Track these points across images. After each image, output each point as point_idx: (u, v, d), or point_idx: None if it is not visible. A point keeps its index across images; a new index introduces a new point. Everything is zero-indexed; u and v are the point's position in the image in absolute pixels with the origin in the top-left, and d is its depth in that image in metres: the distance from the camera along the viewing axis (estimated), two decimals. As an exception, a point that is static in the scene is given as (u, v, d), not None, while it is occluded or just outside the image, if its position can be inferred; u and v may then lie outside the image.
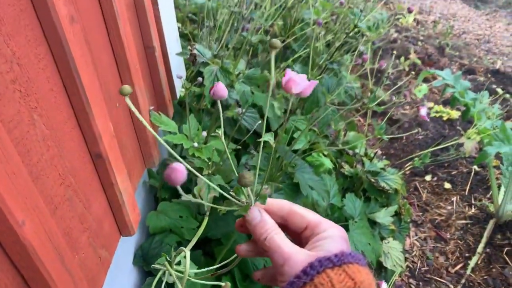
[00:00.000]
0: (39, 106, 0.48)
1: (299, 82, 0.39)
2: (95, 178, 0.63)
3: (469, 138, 1.23)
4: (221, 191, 0.41)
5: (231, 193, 0.42)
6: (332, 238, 0.39)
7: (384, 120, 1.17)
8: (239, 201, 0.42)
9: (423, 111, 0.65)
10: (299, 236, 0.42)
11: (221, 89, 0.43)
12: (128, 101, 0.34)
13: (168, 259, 0.53)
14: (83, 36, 0.57)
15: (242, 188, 0.42)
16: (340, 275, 0.35)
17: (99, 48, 0.68)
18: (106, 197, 0.66)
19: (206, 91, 0.73)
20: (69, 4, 0.52)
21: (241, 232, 0.45)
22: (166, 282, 0.52)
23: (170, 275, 0.54)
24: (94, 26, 0.66)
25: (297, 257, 0.37)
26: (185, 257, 0.45)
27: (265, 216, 0.41)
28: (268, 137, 0.43)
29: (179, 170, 0.35)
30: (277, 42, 0.36)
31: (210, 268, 0.56)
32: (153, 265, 0.57)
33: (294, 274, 0.36)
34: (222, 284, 0.55)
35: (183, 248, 0.53)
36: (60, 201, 0.51)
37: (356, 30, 0.94)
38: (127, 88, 0.35)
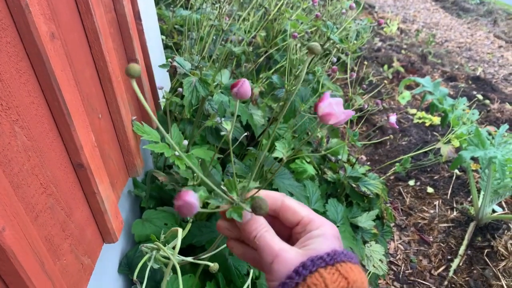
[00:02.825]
0: (20, 118, 0.50)
1: (337, 114, 0.37)
2: (77, 187, 0.65)
3: (445, 143, 1.28)
4: (214, 188, 0.39)
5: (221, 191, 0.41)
6: (324, 236, 0.38)
7: (358, 126, 1.22)
8: (227, 199, 0.41)
9: (392, 119, 0.69)
10: (289, 230, 0.41)
11: (247, 87, 0.38)
12: (134, 84, 0.33)
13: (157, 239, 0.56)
14: (64, 51, 0.60)
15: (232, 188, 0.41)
16: (333, 274, 0.34)
17: (81, 62, 0.70)
18: (88, 205, 0.68)
19: (186, 101, 0.75)
20: (49, 21, 0.55)
21: (222, 234, 0.44)
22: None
23: (156, 261, 0.56)
24: (76, 41, 0.68)
25: (287, 255, 0.36)
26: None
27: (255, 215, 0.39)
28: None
29: (192, 205, 0.34)
30: (316, 47, 0.34)
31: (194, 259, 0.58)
32: (141, 245, 0.59)
33: (285, 274, 0.35)
34: (211, 264, 0.57)
35: (177, 228, 0.55)
36: (42, 209, 0.54)
37: (331, 42, 0.98)
38: (135, 67, 0.32)
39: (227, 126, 0.44)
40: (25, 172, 0.50)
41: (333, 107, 0.37)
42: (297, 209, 0.40)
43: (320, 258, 0.35)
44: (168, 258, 0.59)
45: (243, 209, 0.39)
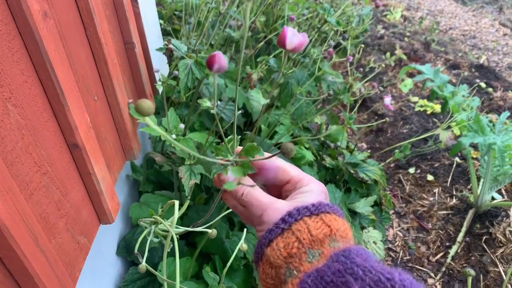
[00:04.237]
0: (13, 96, 0.50)
1: (293, 37, 0.37)
2: (73, 167, 0.66)
3: (444, 129, 1.27)
4: (201, 156, 0.41)
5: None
6: (312, 191, 0.40)
7: (354, 111, 1.21)
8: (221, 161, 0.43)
9: (387, 101, 0.68)
10: (280, 189, 0.44)
11: (221, 59, 0.37)
12: (148, 120, 0.33)
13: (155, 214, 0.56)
14: (58, 31, 0.60)
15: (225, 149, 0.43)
16: (317, 222, 0.36)
17: (76, 43, 0.70)
18: (84, 186, 0.69)
19: (181, 84, 0.75)
20: (42, 0, 0.54)
21: (218, 186, 0.45)
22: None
23: (155, 234, 0.57)
24: (71, 22, 0.68)
25: (275, 206, 0.39)
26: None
27: None
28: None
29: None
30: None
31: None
32: (139, 220, 0.60)
33: (273, 222, 0.37)
34: (209, 231, 0.58)
35: (174, 200, 0.56)
36: (36, 187, 0.54)
37: (331, 25, 0.97)
38: (146, 104, 0.31)
39: (205, 103, 0.43)
40: (18, 150, 0.51)
41: (297, 35, 0.37)
42: (288, 168, 0.43)
43: (305, 208, 0.37)
44: (167, 231, 0.60)
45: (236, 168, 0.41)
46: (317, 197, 0.40)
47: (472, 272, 0.64)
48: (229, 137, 0.45)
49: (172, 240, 0.46)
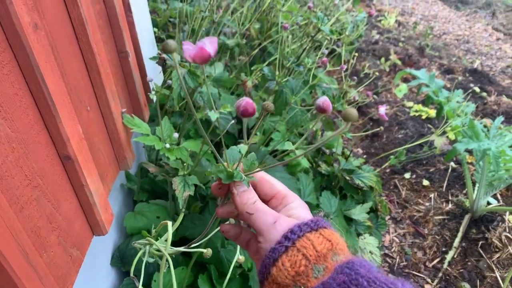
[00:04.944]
0: (3, 109, 0.50)
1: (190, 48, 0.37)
2: (65, 179, 0.65)
3: (439, 135, 1.28)
4: (217, 155, 0.43)
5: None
6: (301, 208, 0.42)
7: (342, 118, 1.20)
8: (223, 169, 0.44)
9: (382, 110, 0.69)
10: (265, 203, 0.44)
11: (250, 106, 0.39)
12: (174, 56, 0.36)
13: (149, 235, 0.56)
14: (49, 42, 0.60)
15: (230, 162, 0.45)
16: (318, 237, 0.37)
17: (68, 54, 0.70)
18: (77, 198, 0.68)
19: (175, 93, 0.75)
20: (32, 11, 0.54)
21: (216, 195, 0.47)
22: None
23: (151, 255, 0.57)
24: (62, 33, 0.68)
25: (283, 218, 0.40)
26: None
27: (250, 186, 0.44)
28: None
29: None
30: (353, 113, 0.36)
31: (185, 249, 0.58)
32: (133, 242, 0.59)
33: (275, 240, 0.38)
34: (204, 251, 0.58)
35: (167, 221, 0.56)
36: (27, 201, 0.53)
37: (326, 33, 0.98)
38: (171, 43, 0.35)
39: (213, 116, 0.44)
40: (9, 163, 0.50)
41: (206, 44, 0.37)
42: (274, 183, 0.45)
43: (305, 224, 0.38)
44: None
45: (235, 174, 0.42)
46: (307, 213, 0.41)
47: (468, 286, 0.64)
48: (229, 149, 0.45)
49: (167, 260, 0.46)
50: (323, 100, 0.42)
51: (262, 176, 0.45)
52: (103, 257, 0.97)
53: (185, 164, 0.91)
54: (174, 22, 1.79)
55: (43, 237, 0.57)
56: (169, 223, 0.59)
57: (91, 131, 0.77)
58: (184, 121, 0.84)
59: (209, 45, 0.36)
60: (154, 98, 0.90)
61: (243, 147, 0.41)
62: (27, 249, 0.50)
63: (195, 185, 0.87)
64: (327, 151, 1.53)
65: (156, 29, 1.29)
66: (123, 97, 0.97)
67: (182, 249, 0.59)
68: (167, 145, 0.85)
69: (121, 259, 1.00)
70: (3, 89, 0.50)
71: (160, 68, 0.94)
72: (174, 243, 0.65)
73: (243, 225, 0.48)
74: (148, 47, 1.17)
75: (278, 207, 0.43)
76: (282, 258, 0.36)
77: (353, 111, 0.35)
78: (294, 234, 0.37)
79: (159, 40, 1.46)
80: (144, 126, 0.88)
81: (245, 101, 0.38)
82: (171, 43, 0.35)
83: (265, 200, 0.44)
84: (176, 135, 0.87)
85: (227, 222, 0.50)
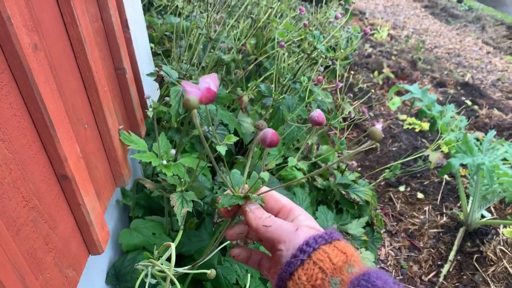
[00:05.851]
0: (1, 131, 0.49)
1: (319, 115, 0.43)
2: (62, 198, 0.64)
3: (433, 150, 1.29)
4: (218, 170, 0.44)
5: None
6: (310, 220, 0.43)
7: (347, 132, 1.22)
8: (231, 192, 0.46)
9: (378, 127, 0.69)
10: None
11: (276, 138, 0.40)
12: (195, 113, 0.37)
13: (151, 257, 0.56)
14: (48, 62, 0.60)
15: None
16: (333, 250, 0.37)
17: (67, 73, 0.70)
18: (73, 217, 0.68)
19: (172, 110, 0.75)
20: (32, 32, 0.54)
21: (226, 217, 0.48)
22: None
23: (153, 276, 0.56)
24: (61, 51, 0.68)
25: (303, 227, 0.40)
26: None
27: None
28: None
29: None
30: (377, 132, 0.37)
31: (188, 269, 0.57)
32: (136, 265, 0.59)
33: (298, 246, 0.38)
34: (208, 271, 0.58)
35: (170, 242, 0.56)
36: (24, 223, 0.53)
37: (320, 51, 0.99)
38: (192, 100, 0.35)
39: (222, 150, 0.47)
40: (6, 185, 0.50)
41: (210, 84, 0.38)
42: (279, 197, 0.46)
43: (320, 236, 0.38)
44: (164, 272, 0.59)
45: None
46: (317, 225, 0.42)
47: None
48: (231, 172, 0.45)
49: (171, 281, 0.46)
50: (317, 114, 0.44)
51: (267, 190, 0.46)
52: (98, 275, 0.95)
53: (182, 180, 0.91)
54: (170, 36, 1.80)
55: (39, 258, 0.56)
56: (173, 245, 0.58)
57: (88, 149, 0.77)
58: (181, 137, 0.84)
59: (213, 84, 0.36)
60: (151, 114, 0.90)
61: (265, 175, 0.43)
62: (23, 272, 0.49)
63: (193, 201, 0.86)
64: (323, 165, 1.54)
65: (152, 44, 1.30)
66: (120, 113, 0.97)
67: (186, 270, 0.58)
68: (164, 162, 0.85)
69: (116, 277, 0.99)
70: (2, 110, 0.50)
71: (156, 83, 0.94)
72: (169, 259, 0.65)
73: (249, 242, 0.49)
74: (145, 63, 1.17)
75: (286, 220, 0.43)
76: (298, 272, 0.36)
77: (377, 131, 0.37)
78: (310, 246, 0.37)
79: (155, 54, 1.46)
80: (141, 142, 0.88)
81: (271, 133, 0.39)
82: (192, 100, 0.35)
83: (273, 214, 0.45)
84: (173, 151, 0.87)
85: (234, 243, 0.50)
